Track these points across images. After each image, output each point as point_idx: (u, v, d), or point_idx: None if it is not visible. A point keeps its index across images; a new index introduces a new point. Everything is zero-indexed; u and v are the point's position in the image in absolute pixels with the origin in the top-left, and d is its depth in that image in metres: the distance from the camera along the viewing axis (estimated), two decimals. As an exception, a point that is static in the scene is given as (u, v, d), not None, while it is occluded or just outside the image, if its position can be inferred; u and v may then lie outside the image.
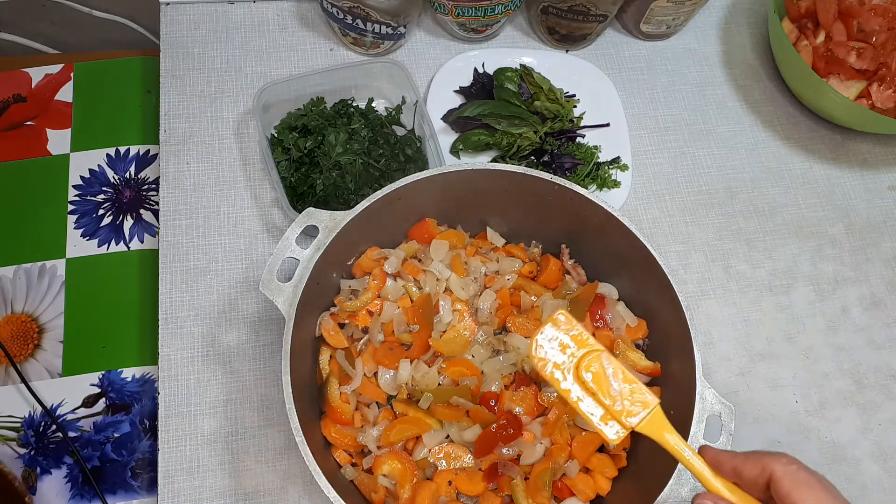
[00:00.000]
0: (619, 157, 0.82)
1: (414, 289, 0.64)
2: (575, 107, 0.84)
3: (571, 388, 0.46)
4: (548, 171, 0.67)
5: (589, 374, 0.46)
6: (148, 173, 0.82)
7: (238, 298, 0.72)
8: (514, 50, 0.87)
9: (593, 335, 0.64)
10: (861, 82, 0.82)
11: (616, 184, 0.80)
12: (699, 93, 0.90)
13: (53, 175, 0.81)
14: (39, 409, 0.71)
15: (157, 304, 0.71)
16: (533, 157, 0.81)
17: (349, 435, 0.60)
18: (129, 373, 0.73)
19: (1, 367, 0.72)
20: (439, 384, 0.62)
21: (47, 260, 0.77)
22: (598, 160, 0.81)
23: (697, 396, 0.57)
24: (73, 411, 0.71)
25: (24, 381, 0.71)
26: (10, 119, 0.83)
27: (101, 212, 0.79)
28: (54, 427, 0.70)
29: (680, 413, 0.58)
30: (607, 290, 0.67)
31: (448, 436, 0.60)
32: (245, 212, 0.76)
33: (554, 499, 0.60)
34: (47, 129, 0.83)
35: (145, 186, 0.81)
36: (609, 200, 0.68)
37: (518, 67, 0.84)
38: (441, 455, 0.59)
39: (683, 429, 0.56)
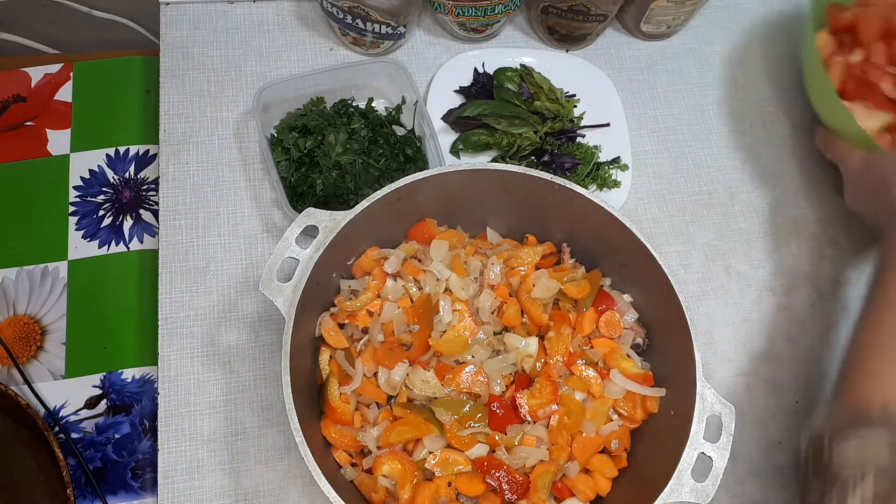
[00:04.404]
0: (619, 157, 0.82)
1: (414, 289, 0.64)
2: (575, 107, 0.84)
3: None
4: (548, 171, 0.67)
5: None
6: (147, 173, 0.82)
7: (238, 299, 0.72)
8: (514, 50, 0.87)
9: (591, 338, 0.65)
10: (889, 114, 0.74)
11: (616, 184, 0.80)
12: (699, 93, 0.90)
13: (54, 176, 0.81)
14: (43, 410, 0.71)
15: (157, 305, 0.71)
16: (533, 157, 0.81)
17: (349, 435, 0.60)
18: (128, 374, 0.73)
19: (4, 368, 0.72)
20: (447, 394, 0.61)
21: (49, 262, 0.77)
22: (599, 160, 0.81)
23: (698, 397, 0.57)
24: (75, 412, 0.71)
25: (27, 382, 0.71)
26: (9, 119, 0.83)
27: (101, 213, 0.79)
28: (57, 429, 0.70)
29: (680, 413, 0.58)
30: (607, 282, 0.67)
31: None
32: (245, 212, 0.76)
33: (554, 499, 0.60)
34: (47, 130, 0.83)
35: (145, 186, 0.81)
36: (609, 200, 0.68)
37: (518, 67, 0.84)
38: (437, 460, 0.59)
39: (684, 429, 0.56)
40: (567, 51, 0.89)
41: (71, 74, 0.86)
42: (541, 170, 0.64)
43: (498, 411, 0.60)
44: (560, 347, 0.63)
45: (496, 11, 0.81)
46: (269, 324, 0.72)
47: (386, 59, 0.83)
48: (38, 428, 0.66)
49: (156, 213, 0.79)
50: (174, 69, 0.81)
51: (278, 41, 0.85)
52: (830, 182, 0.87)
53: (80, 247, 0.78)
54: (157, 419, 0.67)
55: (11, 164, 0.81)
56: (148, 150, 0.83)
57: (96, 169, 0.81)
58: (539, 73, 0.84)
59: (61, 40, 0.98)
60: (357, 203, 0.60)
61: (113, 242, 0.78)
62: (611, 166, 0.81)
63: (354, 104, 0.78)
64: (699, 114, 0.89)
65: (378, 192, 0.61)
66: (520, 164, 0.77)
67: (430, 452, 0.59)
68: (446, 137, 0.81)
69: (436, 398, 0.60)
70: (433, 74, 0.84)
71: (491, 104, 0.80)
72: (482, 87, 0.83)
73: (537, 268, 0.67)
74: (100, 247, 0.78)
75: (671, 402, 0.61)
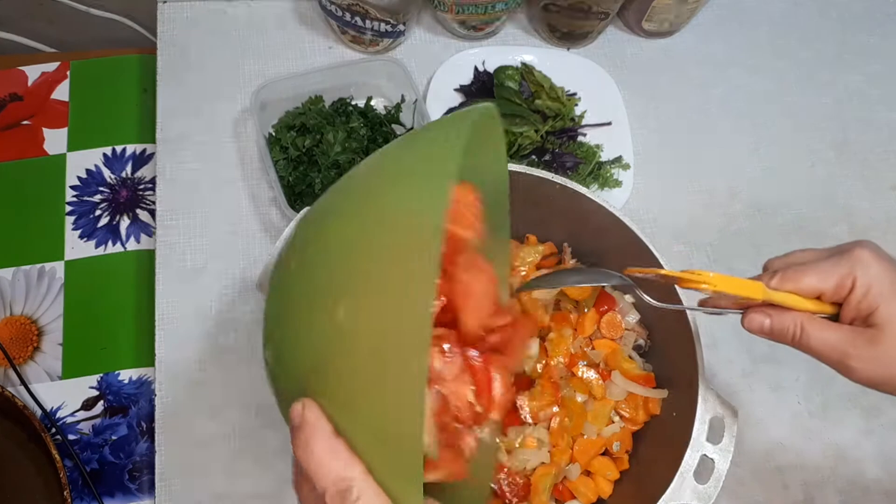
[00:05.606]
0: (620, 156, 0.81)
1: (413, 289, 0.63)
2: (576, 105, 0.84)
3: None
4: (549, 171, 0.67)
5: None
6: (144, 173, 0.81)
7: (235, 299, 0.72)
8: (514, 48, 0.86)
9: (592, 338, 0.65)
10: None
11: (618, 183, 0.80)
12: (701, 91, 0.89)
13: (51, 175, 0.80)
14: (39, 411, 0.70)
15: (154, 305, 0.71)
16: (534, 156, 0.80)
17: (348, 437, 0.60)
18: (126, 375, 0.72)
19: (0, 369, 0.72)
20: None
21: (46, 262, 0.76)
22: (600, 159, 0.81)
23: (700, 398, 0.56)
24: (72, 414, 0.71)
25: (24, 383, 0.71)
26: (6, 118, 0.83)
27: (98, 212, 0.79)
28: (54, 430, 0.69)
29: (682, 415, 0.58)
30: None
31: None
32: (242, 211, 0.76)
33: (555, 501, 0.60)
34: (44, 129, 0.82)
35: (142, 186, 0.81)
36: (610, 200, 0.67)
37: (519, 66, 0.84)
38: None
39: (686, 431, 0.56)
40: (568, 49, 0.88)
41: (68, 73, 0.85)
42: (542, 169, 0.63)
43: (498, 413, 0.59)
44: (561, 349, 0.62)
45: (497, 9, 0.81)
46: (267, 324, 0.71)
47: (385, 57, 0.83)
48: (34, 429, 0.66)
49: (153, 213, 0.79)
50: (172, 68, 0.81)
51: (276, 39, 0.84)
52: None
53: (77, 247, 0.77)
54: (155, 421, 0.67)
55: (8, 164, 0.80)
56: (145, 150, 0.82)
57: (93, 168, 0.81)
58: (540, 72, 0.83)
59: (58, 39, 0.98)
60: (356, 203, 0.60)
61: (110, 242, 0.78)
62: (612, 165, 0.81)
63: (353, 103, 0.77)
64: (701, 112, 0.88)
65: (377, 191, 0.60)
66: (521, 164, 0.76)
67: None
68: (446, 136, 0.81)
69: None
70: (433, 73, 0.83)
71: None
72: (482, 86, 0.83)
73: (538, 268, 0.66)
74: (96, 247, 0.77)
75: (673, 404, 0.61)
